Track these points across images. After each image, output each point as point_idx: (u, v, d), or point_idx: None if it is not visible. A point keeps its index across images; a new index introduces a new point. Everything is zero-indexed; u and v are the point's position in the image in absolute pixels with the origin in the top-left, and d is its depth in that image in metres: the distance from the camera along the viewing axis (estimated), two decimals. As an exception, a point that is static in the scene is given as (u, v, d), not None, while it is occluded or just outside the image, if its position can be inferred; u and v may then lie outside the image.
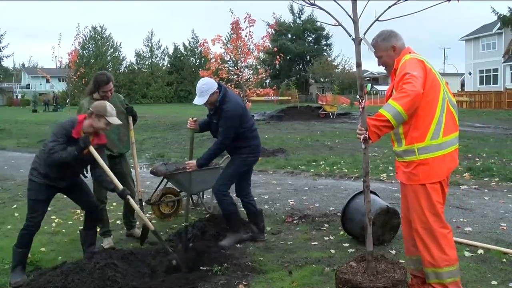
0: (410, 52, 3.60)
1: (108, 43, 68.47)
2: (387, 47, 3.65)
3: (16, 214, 6.70)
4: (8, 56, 76.22)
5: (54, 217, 6.43)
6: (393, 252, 4.77)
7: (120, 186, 4.42)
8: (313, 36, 68.25)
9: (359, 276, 3.33)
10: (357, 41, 3.25)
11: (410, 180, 3.49)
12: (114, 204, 6.84)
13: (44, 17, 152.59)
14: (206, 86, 4.93)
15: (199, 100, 4.98)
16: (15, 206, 7.24)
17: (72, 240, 5.51)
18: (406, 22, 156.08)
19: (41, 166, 4.35)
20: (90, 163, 4.51)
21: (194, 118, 5.22)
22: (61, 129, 4.29)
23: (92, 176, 4.72)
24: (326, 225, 5.83)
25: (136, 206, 4.55)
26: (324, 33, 67.51)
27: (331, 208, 6.63)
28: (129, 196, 4.45)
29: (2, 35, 68.21)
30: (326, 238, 5.31)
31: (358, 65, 3.44)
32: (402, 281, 3.24)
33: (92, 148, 4.27)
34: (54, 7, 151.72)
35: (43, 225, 5.90)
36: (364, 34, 3.29)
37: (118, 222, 6.09)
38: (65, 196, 4.99)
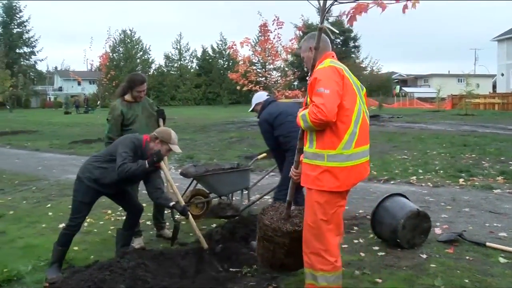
0: (332, 57, 3.60)
1: (137, 46, 69.36)
2: (307, 48, 3.68)
3: (50, 213, 6.86)
4: (42, 59, 78.27)
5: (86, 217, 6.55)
6: (424, 256, 4.70)
7: (182, 203, 4.50)
8: (341, 38, 67.78)
9: (270, 218, 3.85)
10: (319, 28, 3.45)
11: (313, 184, 3.42)
12: (144, 205, 6.87)
13: (76, 21, 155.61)
14: (255, 97, 5.77)
15: (250, 108, 5.81)
16: (49, 205, 7.42)
17: (103, 240, 5.62)
18: (434, 23, 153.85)
19: (96, 171, 4.43)
20: (146, 179, 4.61)
21: None
22: (131, 142, 4.41)
23: (147, 191, 4.74)
24: (355, 228, 5.80)
25: (193, 222, 4.60)
26: (352, 35, 67.00)
27: (360, 211, 6.58)
28: (189, 213, 4.54)
29: (36, 39, 70.31)
30: (356, 241, 5.28)
31: (316, 48, 3.52)
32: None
33: (163, 164, 4.45)
34: (86, 11, 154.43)
35: (76, 224, 6.06)
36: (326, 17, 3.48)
37: (148, 223, 6.16)
38: (102, 199, 5.12)
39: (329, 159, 3.33)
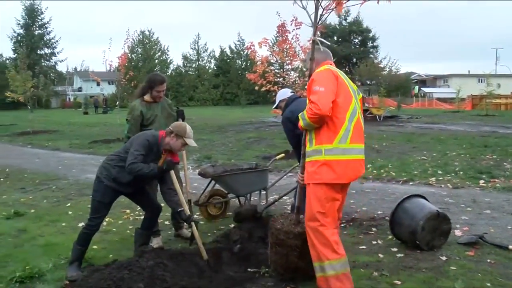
0: (330, 65, 3.93)
1: (155, 46, 69.78)
2: (307, 57, 4.08)
3: (70, 212, 6.95)
4: (62, 60, 79.17)
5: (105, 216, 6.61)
6: (444, 258, 4.64)
7: (188, 211, 4.51)
8: (359, 38, 67.42)
9: (282, 224, 4.12)
10: (312, 40, 3.89)
11: (312, 179, 3.70)
12: (162, 204, 6.92)
13: (96, 23, 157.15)
14: (279, 94, 5.71)
15: (274, 104, 5.78)
16: (68, 204, 7.51)
17: (122, 239, 5.67)
18: (454, 22, 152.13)
19: (114, 170, 4.48)
20: (161, 178, 4.67)
21: None
22: (145, 140, 4.43)
23: (161, 190, 4.81)
24: (374, 229, 5.76)
25: (196, 232, 4.61)
26: (371, 35, 66.62)
27: (379, 212, 6.54)
28: (193, 223, 4.56)
29: (57, 41, 71.18)
30: (374, 242, 5.25)
31: (311, 59, 3.97)
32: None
33: (172, 172, 4.47)
34: (105, 12, 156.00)
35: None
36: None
37: (167, 222, 6.20)
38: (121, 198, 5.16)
39: (327, 153, 3.62)
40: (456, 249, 4.91)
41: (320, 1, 3.81)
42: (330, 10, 3.89)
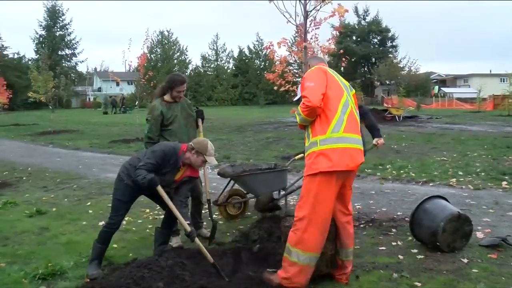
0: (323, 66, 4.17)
1: (174, 46, 70.20)
2: (306, 64, 4.33)
3: (91, 211, 7.03)
4: (83, 61, 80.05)
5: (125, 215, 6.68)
6: (465, 260, 4.59)
7: (188, 228, 4.48)
8: (378, 38, 66.97)
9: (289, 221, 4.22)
10: (303, 46, 4.00)
11: (310, 170, 3.80)
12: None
13: (115, 23, 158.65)
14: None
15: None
16: (89, 203, 7.60)
17: (141, 238, 5.71)
18: (475, 21, 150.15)
19: (133, 172, 4.51)
20: (176, 188, 4.69)
21: None
22: (161, 151, 4.47)
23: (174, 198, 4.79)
24: (393, 230, 5.72)
25: (199, 243, 4.52)
26: (390, 34, 66.13)
27: (398, 213, 6.49)
28: (196, 238, 4.50)
29: (77, 41, 72.10)
30: (394, 244, 5.21)
31: (304, 64, 4.11)
32: None
33: (160, 188, 4.39)
34: (124, 13, 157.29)
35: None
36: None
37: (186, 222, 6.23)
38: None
39: (321, 143, 3.76)
40: (478, 251, 4.84)
41: (308, 6, 3.95)
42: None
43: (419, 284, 4.06)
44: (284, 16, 3.86)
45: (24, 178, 10.31)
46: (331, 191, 3.81)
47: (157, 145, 4.68)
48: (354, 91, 4.19)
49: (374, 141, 5.66)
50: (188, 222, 4.55)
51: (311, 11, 4.50)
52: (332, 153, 3.72)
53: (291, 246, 3.88)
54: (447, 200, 5.21)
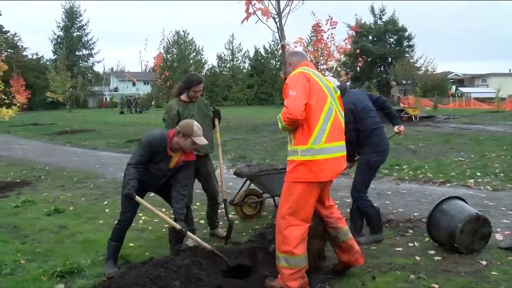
0: (306, 66, 4.07)
1: (190, 46, 70.39)
2: (286, 62, 4.25)
3: (107, 210, 7.09)
4: (99, 61, 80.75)
5: (141, 214, 6.70)
6: (484, 263, 4.53)
7: (178, 227, 4.48)
8: (394, 38, 66.36)
9: None
10: (281, 45, 3.88)
11: (290, 177, 3.87)
12: (197, 203, 7.03)
13: (132, 24, 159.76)
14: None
15: None
16: (105, 202, 7.67)
17: (158, 237, 5.74)
18: (493, 20, 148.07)
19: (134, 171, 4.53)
20: (174, 176, 4.67)
21: None
22: (146, 142, 4.50)
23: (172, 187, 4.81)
24: (410, 230, 5.68)
25: (194, 237, 4.67)
26: (406, 34, 65.52)
27: (415, 214, 6.44)
28: (188, 232, 4.56)
29: (94, 42, 72.76)
30: (411, 244, 5.17)
31: (283, 63, 4.07)
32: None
33: (138, 198, 4.38)
34: (141, 14, 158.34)
35: (131, 221, 6.22)
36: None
37: (202, 221, 6.25)
38: (152, 194, 5.23)
39: (302, 154, 3.79)
40: (497, 253, 4.78)
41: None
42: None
43: (436, 286, 4.02)
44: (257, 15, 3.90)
45: (42, 177, 10.44)
46: (312, 197, 3.91)
47: (145, 137, 4.65)
48: (338, 92, 4.21)
49: (396, 129, 5.60)
50: (181, 218, 4.54)
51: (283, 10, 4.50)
52: (313, 165, 3.78)
53: (278, 252, 3.95)
54: (465, 201, 5.15)
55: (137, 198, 4.36)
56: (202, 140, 4.55)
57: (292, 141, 3.91)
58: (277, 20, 3.93)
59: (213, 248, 4.58)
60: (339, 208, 6.75)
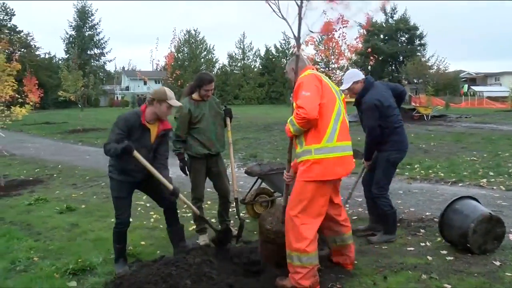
0: (312, 69, 4.17)
1: (201, 46, 70.47)
2: (290, 69, 4.29)
3: (119, 209, 7.12)
4: (111, 60, 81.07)
5: (152, 213, 6.75)
6: (497, 263, 4.48)
7: (171, 187, 4.48)
8: (406, 36, 66.06)
9: (270, 223, 4.36)
10: (296, 55, 4.13)
11: (302, 176, 3.90)
12: (209, 202, 7.04)
13: (143, 23, 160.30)
14: (351, 73, 5.38)
15: (343, 86, 5.36)
16: (117, 200, 7.69)
17: (169, 236, 5.75)
18: (506, 19, 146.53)
19: (114, 161, 4.52)
20: (153, 151, 4.57)
21: None
22: (123, 120, 4.40)
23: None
24: (422, 230, 5.64)
25: (184, 198, 4.70)
26: (418, 32, 65.16)
27: (427, 213, 6.40)
28: (180, 195, 4.57)
29: (106, 41, 73.19)
30: (423, 244, 5.14)
31: (295, 72, 4.17)
32: None
33: (136, 153, 4.28)
34: (152, 12, 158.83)
35: (143, 220, 6.27)
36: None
37: (213, 220, 6.25)
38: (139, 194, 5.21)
39: (316, 152, 3.84)
40: (511, 254, 4.73)
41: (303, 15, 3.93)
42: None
43: (449, 286, 3.99)
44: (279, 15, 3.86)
45: (54, 175, 10.53)
46: (325, 195, 3.96)
47: (118, 116, 4.56)
48: (343, 96, 4.26)
49: None
50: (171, 186, 4.49)
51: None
52: (327, 163, 3.84)
53: (290, 251, 3.95)
54: (477, 201, 5.11)
55: (135, 153, 4.27)
56: (176, 103, 4.56)
57: (304, 142, 3.92)
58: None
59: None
60: (351, 207, 6.77)
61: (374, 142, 5.23)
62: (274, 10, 4.00)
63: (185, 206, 5.24)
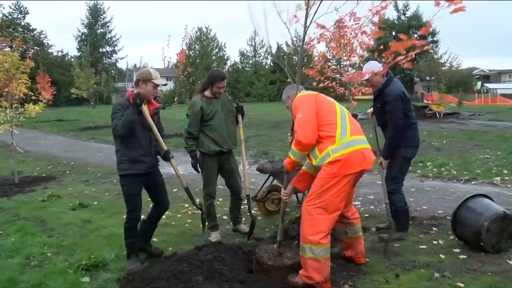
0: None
1: (213, 43, 70.55)
2: (286, 98, 4.59)
3: (131, 205, 7.16)
4: (122, 58, 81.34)
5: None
6: (511, 262, 4.44)
7: (165, 147, 4.64)
8: (418, 33, 65.58)
9: (266, 256, 4.25)
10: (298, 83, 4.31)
11: (325, 174, 3.88)
12: (220, 199, 7.06)
13: (154, 20, 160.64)
14: (370, 65, 5.29)
15: (365, 76, 5.27)
16: (129, 197, 7.74)
17: (181, 232, 5.79)
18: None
19: (124, 152, 4.56)
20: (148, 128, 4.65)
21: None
22: (119, 105, 4.50)
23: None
24: (434, 228, 5.61)
25: (175, 165, 4.80)
26: (431, 29, 64.64)
27: (439, 211, 6.36)
28: (172, 160, 4.68)
29: (118, 39, 73.52)
30: (435, 242, 5.11)
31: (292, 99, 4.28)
32: (293, 264, 4.11)
33: (144, 108, 4.49)
34: (164, 10, 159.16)
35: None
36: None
37: (225, 217, 6.27)
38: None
39: (334, 152, 3.85)
40: (525, 253, 4.68)
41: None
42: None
43: (462, 285, 3.96)
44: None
45: (67, 172, 10.62)
46: (345, 191, 3.93)
47: (113, 105, 4.63)
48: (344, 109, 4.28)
49: None
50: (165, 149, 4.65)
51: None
52: (346, 157, 3.84)
53: (304, 243, 3.96)
54: (491, 199, 5.06)
55: (143, 108, 4.50)
56: (161, 81, 4.62)
57: (317, 152, 3.95)
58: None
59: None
60: (362, 205, 6.76)
61: (399, 137, 5.10)
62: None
63: (197, 201, 5.25)
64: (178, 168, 5.06)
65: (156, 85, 4.60)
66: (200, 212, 5.31)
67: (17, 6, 62.19)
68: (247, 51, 72.21)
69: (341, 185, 3.87)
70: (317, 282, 3.88)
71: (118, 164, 4.63)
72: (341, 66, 13.89)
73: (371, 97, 5.73)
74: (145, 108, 4.56)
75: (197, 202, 5.05)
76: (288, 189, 4.37)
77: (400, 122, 5.02)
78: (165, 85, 4.73)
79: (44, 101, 11.60)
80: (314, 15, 4.02)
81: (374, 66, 5.19)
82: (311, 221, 3.91)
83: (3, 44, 9.84)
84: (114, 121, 4.42)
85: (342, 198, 3.94)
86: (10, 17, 59.51)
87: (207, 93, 5.36)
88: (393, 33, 64.83)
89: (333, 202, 3.89)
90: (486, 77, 70.42)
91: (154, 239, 5.44)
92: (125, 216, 4.74)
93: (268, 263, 4.14)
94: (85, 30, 70.78)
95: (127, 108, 4.43)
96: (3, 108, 9.46)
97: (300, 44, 4.35)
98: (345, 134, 3.90)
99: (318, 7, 3.89)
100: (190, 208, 6.82)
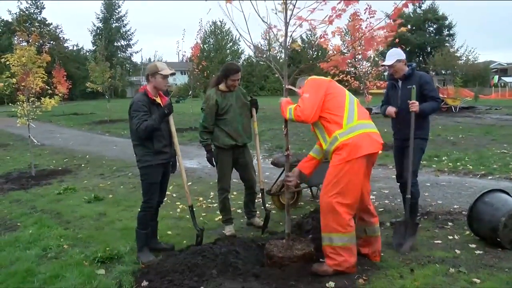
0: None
1: (227, 37, 70.52)
2: (298, 90, 4.74)
3: (146, 198, 7.20)
4: (137, 52, 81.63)
5: (178, 203, 6.80)
6: (528, 257, 4.38)
7: (179, 152, 4.86)
8: (434, 27, 64.79)
9: (276, 250, 4.26)
10: (285, 89, 4.71)
11: (335, 161, 3.98)
12: (235, 193, 7.07)
13: (169, 14, 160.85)
14: (394, 52, 5.34)
15: (386, 61, 5.35)
16: (144, 191, 7.79)
17: (195, 226, 5.80)
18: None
19: (148, 146, 4.63)
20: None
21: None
22: (138, 103, 4.57)
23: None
24: (450, 223, 5.56)
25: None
26: (447, 22, 63.84)
27: (455, 206, 6.30)
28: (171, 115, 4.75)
29: (132, 33, 73.82)
30: (450, 237, 5.06)
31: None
32: (303, 255, 4.17)
33: (171, 117, 4.71)
34: (178, 3, 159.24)
35: (169, 210, 6.34)
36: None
37: (239, 211, 6.29)
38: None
39: (341, 136, 3.96)
40: (543, 249, 4.61)
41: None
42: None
43: (478, 281, 3.92)
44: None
45: (82, 165, 10.72)
46: (359, 174, 3.99)
47: (131, 104, 4.68)
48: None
49: None
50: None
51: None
52: (354, 141, 3.93)
53: (329, 233, 4.03)
54: (508, 194, 4.99)
55: (171, 117, 4.73)
56: (168, 71, 4.70)
57: (326, 136, 4.09)
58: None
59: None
60: (377, 199, 6.72)
61: (436, 110, 5.36)
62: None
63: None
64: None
65: (165, 76, 4.66)
66: (196, 234, 5.09)
67: (33, 1, 62.69)
68: (261, 45, 71.99)
69: (354, 169, 3.93)
70: (347, 267, 4.00)
71: (140, 156, 4.70)
72: (356, 59, 13.78)
73: (385, 90, 5.72)
74: (171, 117, 4.74)
75: (198, 228, 4.98)
76: (295, 172, 4.57)
77: (440, 100, 5.28)
78: (173, 74, 4.75)
79: (59, 95, 11.70)
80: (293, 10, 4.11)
81: (399, 54, 5.28)
82: (333, 211, 3.96)
83: (21, 39, 9.94)
84: (135, 119, 4.50)
85: (357, 184, 3.98)
86: (27, 12, 60.03)
87: (221, 86, 5.36)
88: (409, 26, 64.37)
89: (349, 189, 3.94)
90: (504, 71, 69.42)
91: (169, 232, 5.49)
92: (140, 206, 4.78)
93: (278, 255, 4.16)
94: (100, 24, 71.15)
95: (147, 105, 4.55)
96: (21, 102, 9.57)
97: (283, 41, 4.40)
98: (352, 118, 4.01)
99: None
100: (204, 201, 6.84)
